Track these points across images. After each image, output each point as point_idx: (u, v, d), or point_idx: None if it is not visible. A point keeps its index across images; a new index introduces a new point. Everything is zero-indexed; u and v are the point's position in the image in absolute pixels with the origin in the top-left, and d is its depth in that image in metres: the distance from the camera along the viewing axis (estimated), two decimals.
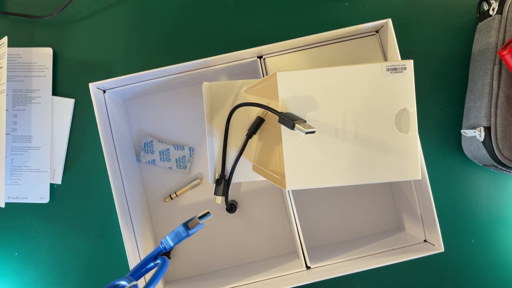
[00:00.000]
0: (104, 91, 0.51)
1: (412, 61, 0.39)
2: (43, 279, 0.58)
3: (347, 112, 0.40)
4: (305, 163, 0.40)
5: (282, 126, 0.39)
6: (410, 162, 0.40)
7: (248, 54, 0.49)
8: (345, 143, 0.40)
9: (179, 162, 0.56)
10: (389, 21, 0.47)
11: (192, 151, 0.57)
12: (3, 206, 0.54)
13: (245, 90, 0.48)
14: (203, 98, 0.49)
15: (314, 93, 0.39)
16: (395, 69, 0.40)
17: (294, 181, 0.40)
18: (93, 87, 0.47)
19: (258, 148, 0.49)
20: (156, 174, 0.57)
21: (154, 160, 0.56)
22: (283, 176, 0.41)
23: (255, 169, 0.48)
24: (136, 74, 0.47)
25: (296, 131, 0.37)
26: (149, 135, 0.57)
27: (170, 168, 0.57)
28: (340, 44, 0.51)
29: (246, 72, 0.57)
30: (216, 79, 0.56)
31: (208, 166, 0.49)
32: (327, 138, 0.40)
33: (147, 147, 0.56)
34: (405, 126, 0.40)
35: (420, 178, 0.41)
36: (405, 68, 0.39)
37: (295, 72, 0.39)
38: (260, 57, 0.51)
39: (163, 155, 0.56)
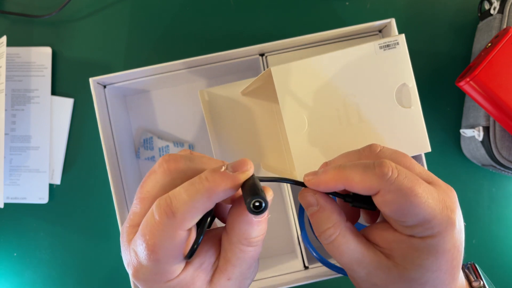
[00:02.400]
0: (105, 86, 0.51)
1: (403, 35, 0.39)
2: (42, 279, 0.58)
3: (347, 97, 0.39)
4: (313, 153, 0.39)
5: (284, 117, 0.39)
6: (418, 136, 0.40)
7: (250, 52, 0.49)
8: (350, 128, 0.39)
9: None
10: (393, 20, 0.47)
11: (192, 148, 0.57)
12: (2, 206, 0.54)
13: (242, 91, 0.47)
14: (201, 106, 0.48)
15: (311, 83, 0.39)
16: (388, 45, 0.39)
17: (304, 173, 0.39)
18: (94, 82, 0.47)
19: (263, 146, 0.49)
20: None
21: (153, 157, 0.56)
22: (293, 169, 0.41)
23: (265, 167, 0.48)
24: (137, 69, 0.48)
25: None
26: (149, 131, 0.57)
27: None
28: (342, 43, 0.51)
29: (247, 70, 0.56)
30: (216, 76, 0.56)
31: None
32: (331, 126, 0.39)
33: (147, 143, 0.56)
34: (406, 101, 0.40)
35: (431, 150, 0.40)
36: (397, 43, 0.39)
37: (288, 64, 0.39)
38: (262, 55, 0.51)
39: (163, 152, 0.56)
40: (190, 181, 0.25)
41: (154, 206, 0.24)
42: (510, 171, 0.53)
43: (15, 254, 0.58)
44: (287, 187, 0.50)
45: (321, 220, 0.28)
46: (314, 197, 0.29)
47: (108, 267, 0.58)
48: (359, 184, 0.26)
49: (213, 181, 0.24)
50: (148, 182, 0.26)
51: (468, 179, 0.58)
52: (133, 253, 0.25)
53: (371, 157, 0.29)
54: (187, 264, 0.26)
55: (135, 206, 0.27)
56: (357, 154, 0.30)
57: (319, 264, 0.50)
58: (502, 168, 0.53)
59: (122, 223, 0.47)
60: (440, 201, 0.26)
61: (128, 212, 0.50)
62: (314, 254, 0.47)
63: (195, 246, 0.25)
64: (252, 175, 0.26)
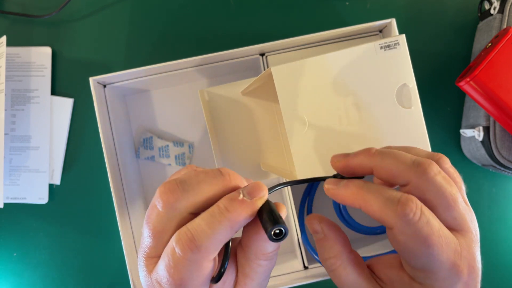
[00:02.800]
0: (105, 86, 0.51)
1: (404, 35, 0.39)
2: (42, 279, 0.58)
3: (348, 97, 0.39)
4: (313, 153, 0.39)
5: (284, 117, 0.39)
6: (418, 136, 0.39)
7: (250, 52, 0.49)
8: (351, 128, 0.39)
9: (179, 159, 0.56)
10: (393, 21, 0.47)
11: (192, 148, 0.57)
12: (1, 206, 0.54)
13: (242, 91, 0.47)
14: (201, 106, 0.48)
15: (311, 83, 0.39)
16: (388, 46, 0.39)
17: (304, 173, 0.40)
18: (93, 81, 0.47)
19: (263, 146, 0.49)
20: (155, 171, 0.57)
21: (153, 157, 0.56)
22: (293, 169, 0.41)
23: (265, 166, 0.48)
24: (137, 69, 0.48)
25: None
26: (149, 131, 0.57)
27: (169, 164, 0.57)
28: (343, 44, 0.51)
29: (247, 70, 0.56)
30: (216, 76, 0.56)
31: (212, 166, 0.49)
32: (331, 126, 0.39)
33: (147, 143, 0.56)
34: (407, 101, 0.40)
35: (431, 151, 0.40)
36: (398, 44, 0.39)
37: (289, 64, 0.39)
38: (262, 55, 0.51)
39: (163, 151, 0.56)
40: (209, 212, 0.24)
41: (174, 242, 0.24)
42: (510, 171, 0.53)
43: (15, 254, 0.58)
44: (287, 187, 0.50)
45: (324, 248, 0.28)
46: (320, 225, 0.29)
47: (107, 267, 0.58)
48: (375, 213, 0.25)
49: (234, 211, 0.24)
50: (152, 217, 0.26)
51: (468, 179, 0.58)
52: (156, 284, 0.25)
53: (416, 179, 0.26)
54: (211, 284, 0.26)
55: (148, 240, 0.26)
56: (406, 164, 0.27)
57: (319, 264, 0.50)
58: (502, 168, 0.53)
59: (122, 223, 0.47)
60: (456, 253, 0.24)
61: (127, 212, 0.50)
62: (316, 256, 0.47)
63: (222, 270, 0.25)
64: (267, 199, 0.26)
